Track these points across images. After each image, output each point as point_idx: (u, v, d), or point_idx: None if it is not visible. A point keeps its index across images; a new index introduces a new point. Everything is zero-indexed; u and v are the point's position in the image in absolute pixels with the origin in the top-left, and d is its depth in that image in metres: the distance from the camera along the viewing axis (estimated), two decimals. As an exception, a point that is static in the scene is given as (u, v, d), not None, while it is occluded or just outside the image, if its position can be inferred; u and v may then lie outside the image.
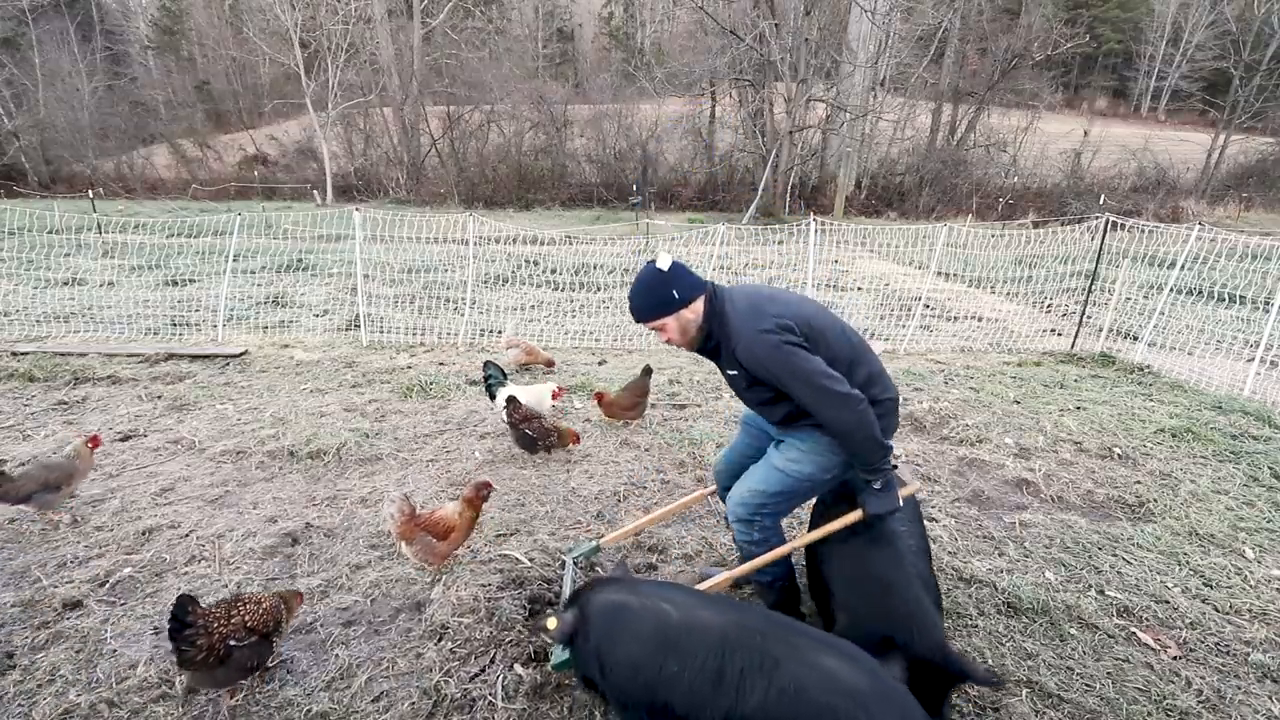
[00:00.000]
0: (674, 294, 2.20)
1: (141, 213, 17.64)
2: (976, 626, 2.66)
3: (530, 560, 2.99)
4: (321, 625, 2.60)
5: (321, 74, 28.68)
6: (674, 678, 1.73)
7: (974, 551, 3.20)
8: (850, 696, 1.60)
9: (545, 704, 2.23)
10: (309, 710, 2.19)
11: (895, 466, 2.29)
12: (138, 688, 2.26)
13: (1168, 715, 2.25)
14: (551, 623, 1.98)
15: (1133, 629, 2.67)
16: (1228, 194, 26.42)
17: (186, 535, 3.20)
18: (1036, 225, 15.98)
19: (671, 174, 28.18)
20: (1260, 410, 5.10)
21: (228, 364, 6.04)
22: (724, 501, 2.69)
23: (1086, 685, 2.37)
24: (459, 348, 6.90)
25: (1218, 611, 2.79)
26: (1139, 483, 3.89)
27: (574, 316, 8.28)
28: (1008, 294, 9.85)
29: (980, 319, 8.48)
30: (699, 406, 5.12)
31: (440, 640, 2.48)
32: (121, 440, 4.29)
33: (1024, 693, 2.33)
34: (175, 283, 9.30)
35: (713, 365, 2.73)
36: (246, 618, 2.16)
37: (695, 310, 2.24)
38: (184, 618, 2.06)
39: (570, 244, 11.80)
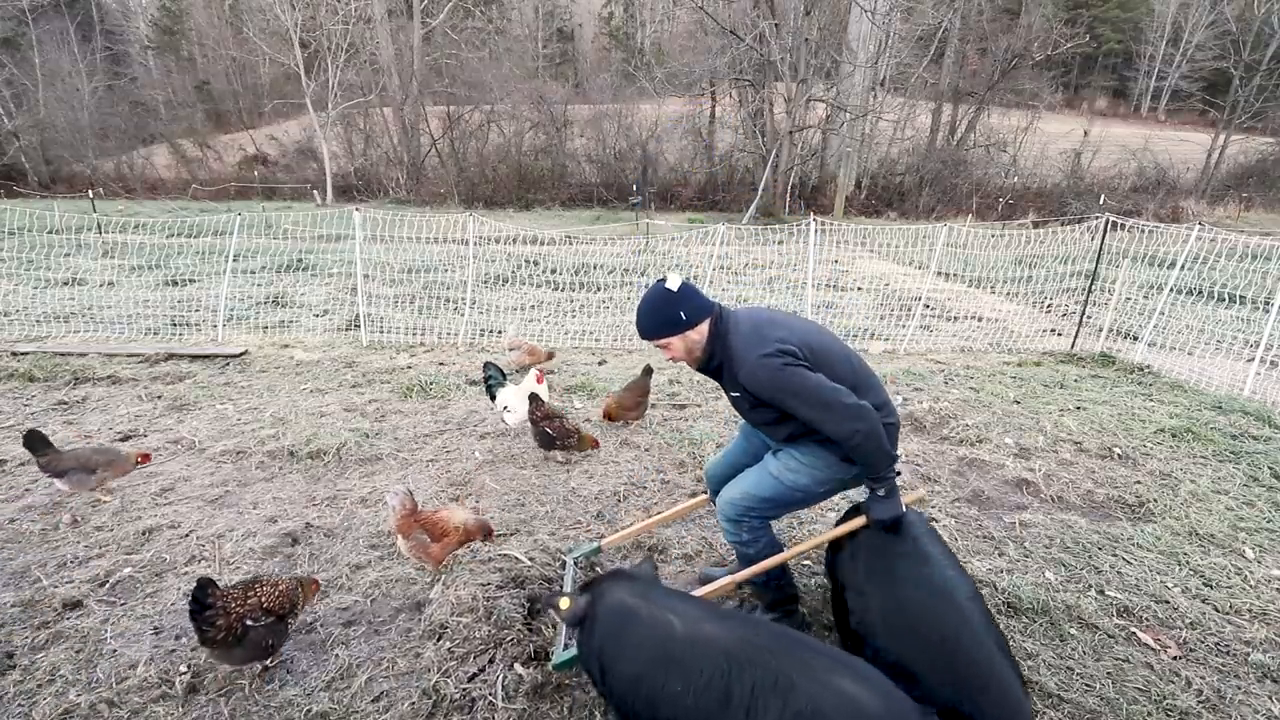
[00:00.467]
0: (681, 315, 2.22)
1: (141, 213, 17.64)
2: (976, 626, 2.66)
3: (530, 560, 2.99)
4: (321, 625, 2.60)
5: (321, 74, 28.71)
6: (676, 696, 1.69)
7: (974, 551, 3.20)
8: None
9: (545, 704, 2.23)
10: (309, 710, 2.19)
11: (899, 473, 2.30)
12: (138, 688, 2.26)
13: (1168, 715, 2.25)
14: (564, 602, 2.00)
15: (1133, 629, 2.67)
16: (1228, 194, 26.43)
17: (186, 535, 3.20)
18: (1036, 225, 15.97)
19: (671, 174, 28.19)
20: (1260, 410, 5.10)
21: (228, 364, 6.04)
22: (714, 502, 2.71)
23: (1086, 685, 2.37)
24: (459, 348, 6.90)
25: (1218, 611, 2.79)
26: (1139, 483, 3.89)
27: (574, 316, 8.28)
28: (1008, 294, 9.84)
29: (980, 319, 8.47)
30: (699, 406, 5.12)
31: (440, 640, 2.48)
32: (121, 440, 4.30)
33: (1024, 693, 2.33)
34: (175, 283, 9.30)
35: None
36: (263, 599, 2.24)
37: (701, 332, 2.26)
38: (204, 599, 2.13)
39: (570, 244, 11.81)
